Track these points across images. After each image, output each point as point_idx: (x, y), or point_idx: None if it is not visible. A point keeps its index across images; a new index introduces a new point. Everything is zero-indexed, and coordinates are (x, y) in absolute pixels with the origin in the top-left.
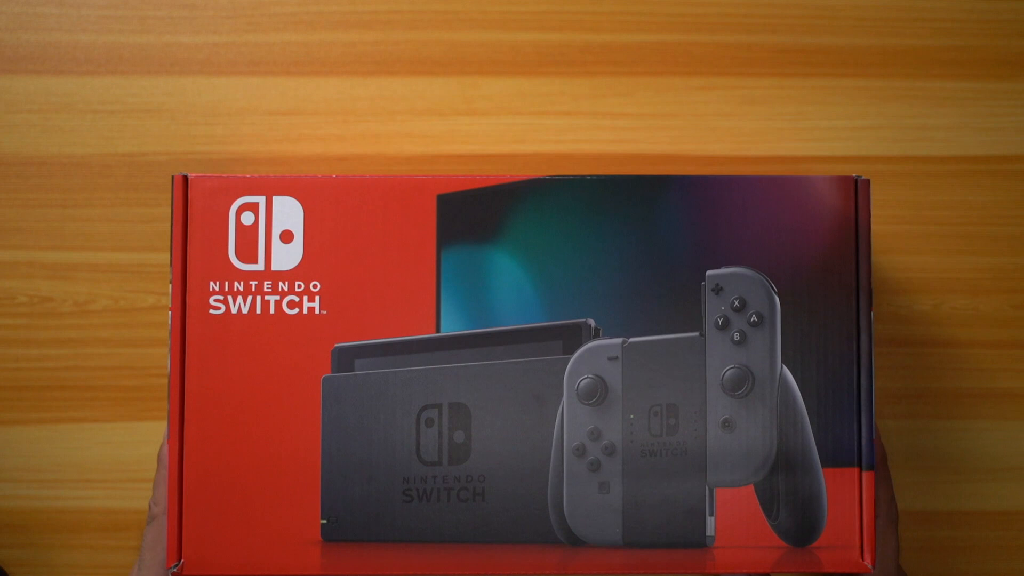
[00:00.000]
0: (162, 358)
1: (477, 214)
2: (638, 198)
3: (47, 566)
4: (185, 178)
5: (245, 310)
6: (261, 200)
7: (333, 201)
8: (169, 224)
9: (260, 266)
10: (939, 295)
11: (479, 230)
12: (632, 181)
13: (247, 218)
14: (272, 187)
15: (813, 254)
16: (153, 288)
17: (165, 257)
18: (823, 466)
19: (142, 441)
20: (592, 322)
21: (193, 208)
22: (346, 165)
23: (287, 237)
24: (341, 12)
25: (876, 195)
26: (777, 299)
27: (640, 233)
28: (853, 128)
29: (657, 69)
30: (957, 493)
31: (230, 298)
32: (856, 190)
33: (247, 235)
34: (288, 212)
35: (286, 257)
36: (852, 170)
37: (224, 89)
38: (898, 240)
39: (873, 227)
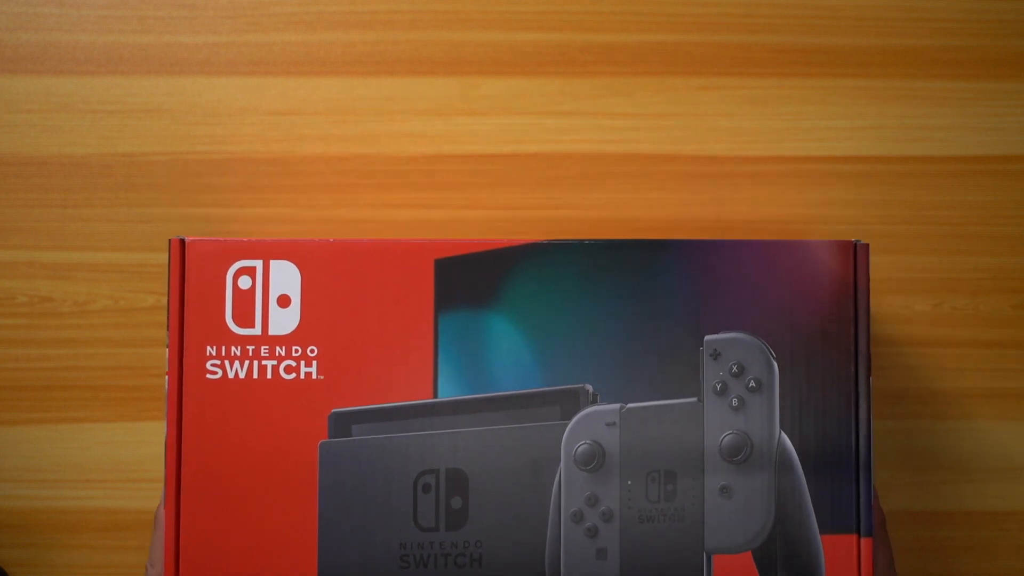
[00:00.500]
0: (161, 358)
1: (475, 279)
2: (636, 263)
3: (47, 566)
4: (182, 242)
5: (242, 375)
6: (258, 264)
7: (330, 265)
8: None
9: (257, 331)
10: (939, 295)
11: (477, 295)
12: (630, 245)
13: (244, 282)
14: (269, 251)
15: (812, 319)
16: (153, 288)
17: (165, 257)
18: (821, 532)
19: (142, 441)
20: (590, 388)
21: (190, 272)
22: (346, 165)
23: (284, 301)
24: (341, 12)
25: (876, 195)
26: (775, 365)
27: (638, 298)
28: (853, 128)
29: (657, 69)
30: (957, 493)
31: (227, 363)
32: (855, 255)
33: (244, 299)
34: (285, 276)
35: (283, 322)
36: (852, 170)
37: (224, 89)
38: (898, 240)
39: (873, 227)
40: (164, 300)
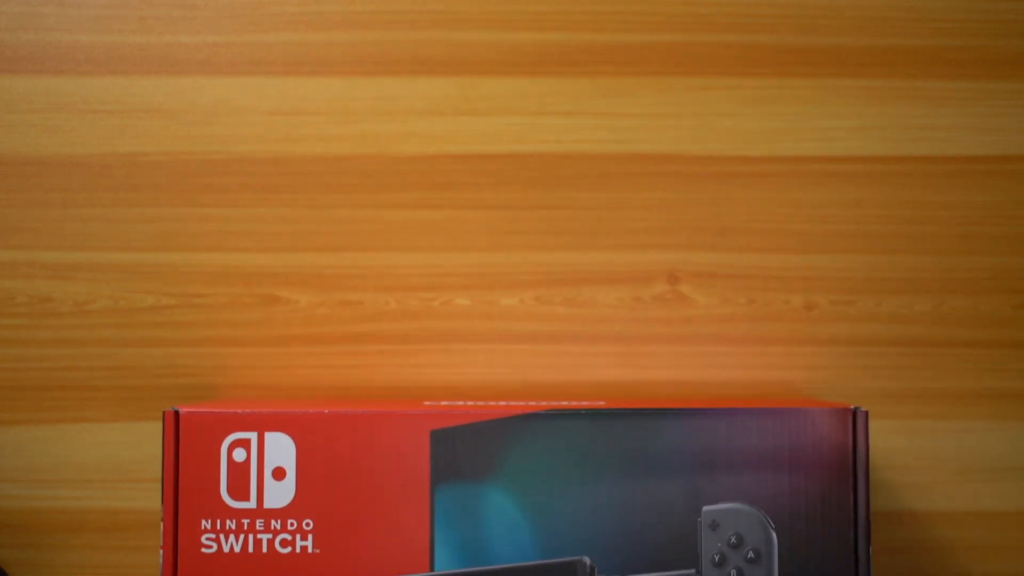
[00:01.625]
0: (160, 358)
1: (470, 450)
2: (633, 431)
3: (47, 566)
4: (176, 413)
5: (237, 549)
6: (253, 436)
7: (325, 437)
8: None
9: (252, 504)
10: (939, 295)
11: (473, 466)
12: (627, 414)
13: (239, 455)
14: (264, 423)
15: (811, 487)
16: (153, 288)
17: (165, 257)
18: None
19: (142, 441)
20: (588, 560)
21: (184, 444)
22: (346, 165)
23: (279, 474)
24: (341, 12)
25: (876, 194)
26: (774, 535)
27: (636, 467)
28: (853, 128)
29: (657, 69)
30: (957, 493)
31: (222, 536)
32: (854, 421)
33: (239, 472)
34: (280, 448)
35: (278, 494)
36: (852, 170)
37: (224, 89)
38: (898, 240)
39: (874, 227)
40: (163, 300)
